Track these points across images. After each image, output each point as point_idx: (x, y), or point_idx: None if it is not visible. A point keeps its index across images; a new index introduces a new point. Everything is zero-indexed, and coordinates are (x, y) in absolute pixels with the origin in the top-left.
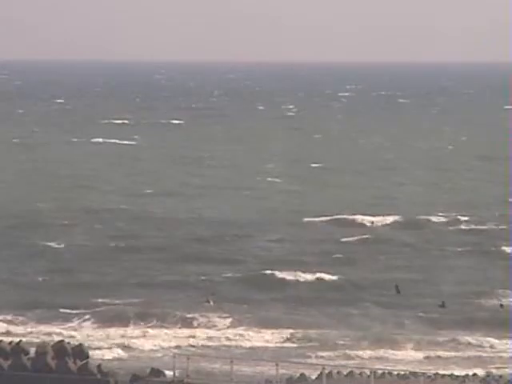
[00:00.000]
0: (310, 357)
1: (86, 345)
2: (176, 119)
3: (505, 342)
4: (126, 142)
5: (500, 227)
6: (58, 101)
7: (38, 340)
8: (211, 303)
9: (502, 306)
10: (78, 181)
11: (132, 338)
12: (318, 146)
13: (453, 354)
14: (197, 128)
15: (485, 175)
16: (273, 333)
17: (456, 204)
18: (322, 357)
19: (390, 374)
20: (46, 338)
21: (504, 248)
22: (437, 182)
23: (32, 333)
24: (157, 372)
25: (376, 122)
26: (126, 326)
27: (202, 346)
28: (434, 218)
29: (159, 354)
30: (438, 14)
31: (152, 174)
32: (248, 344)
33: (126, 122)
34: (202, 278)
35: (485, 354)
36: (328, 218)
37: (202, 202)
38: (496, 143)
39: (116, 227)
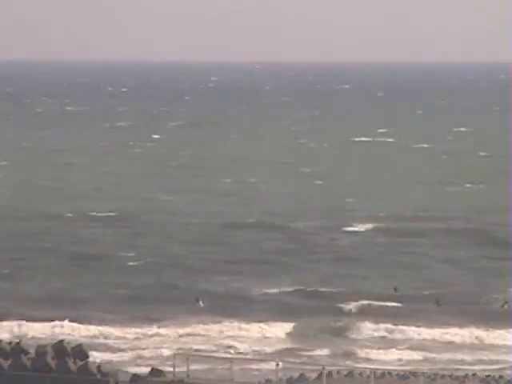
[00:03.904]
0: (309, 357)
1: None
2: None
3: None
4: (132, 145)
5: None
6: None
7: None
8: (201, 304)
9: (506, 303)
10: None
11: (131, 338)
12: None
13: (452, 354)
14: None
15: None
16: (269, 334)
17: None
18: (321, 357)
19: (389, 374)
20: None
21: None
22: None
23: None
24: (157, 372)
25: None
26: (126, 326)
27: (201, 345)
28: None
29: (159, 354)
30: (438, 14)
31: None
32: (245, 344)
33: (122, 124)
34: (193, 281)
35: (484, 355)
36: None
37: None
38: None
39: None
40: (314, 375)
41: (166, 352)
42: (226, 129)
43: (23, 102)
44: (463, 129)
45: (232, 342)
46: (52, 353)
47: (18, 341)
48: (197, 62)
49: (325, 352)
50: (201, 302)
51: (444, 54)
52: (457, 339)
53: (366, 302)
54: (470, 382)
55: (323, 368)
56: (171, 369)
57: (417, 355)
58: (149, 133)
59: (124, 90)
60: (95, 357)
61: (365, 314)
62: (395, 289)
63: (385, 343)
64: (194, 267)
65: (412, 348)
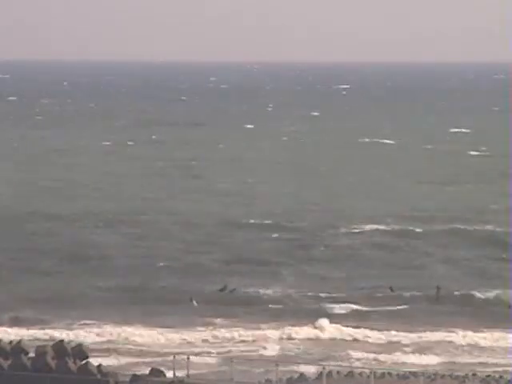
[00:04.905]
0: (308, 357)
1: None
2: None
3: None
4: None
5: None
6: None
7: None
8: (195, 303)
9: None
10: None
11: (130, 340)
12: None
13: (451, 355)
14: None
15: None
16: (269, 335)
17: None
18: (321, 358)
19: (389, 374)
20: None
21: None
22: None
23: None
24: (157, 372)
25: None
26: (125, 326)
27: (201, 345)
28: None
29: (159, 354)
30: (438, 14)
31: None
32: (243, 344)
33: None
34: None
35: (484, 356)
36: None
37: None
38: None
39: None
40: (314, 375)
41: (166, 352)
42: (225, 129)
43: (23, 102)
44: (463, 129)
45: (229, 343)
46: (52, 353)
47: (18, 341)
48: (197, 62)
49: (324, 353)
50: (194, 302)
51: (444, 54)
52: (457, 340)
53: (365, 302)
54: (469, 382)
55: (323, 368)
56: (171, 369)
57: (417, 356)
58: (149, 133)
59: (124, 89)
60: (95, 358)
61: (365, 314)
62: (391, 288)
63: (384, 344)
64: (193, 267)
65: (412, 349)
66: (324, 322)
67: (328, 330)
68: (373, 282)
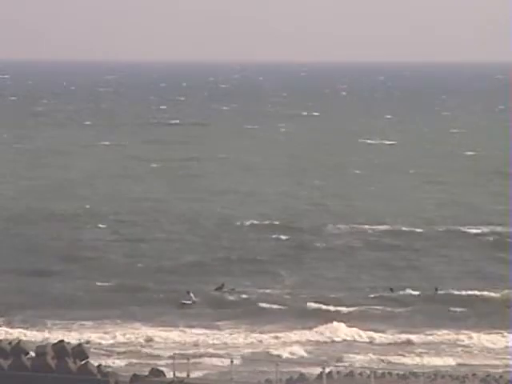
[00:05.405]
0: (309, 358)
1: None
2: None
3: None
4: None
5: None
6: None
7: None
8: (192, 296)
9: None
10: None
11: (131, 338)
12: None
13: (451, 353)
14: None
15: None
16: (270, 339)
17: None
18: (321, 359)
19: (390, 374)
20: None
21: None
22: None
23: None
24: (157, 372)
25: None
26: (125, 326)
27: (201, 345)
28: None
29: (159, 354)
30: (437, 13)
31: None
32: (241, 344)
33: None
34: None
35: (485, 357)
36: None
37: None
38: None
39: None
40: (314, 375)
41: (165, 352)
42: (224, 129)
43: (24, 102)
44: (463, 129)
45: (229, 343)
46: (52, 353)
47: (17, 341)
48: (197, 61)
49: (324, 353)
50: (192, 295)
51: (444, 53)
52: (457, 340)
53: (365, 303)
54: (469, 381)
55: (323, 368)
56: (171, 369)
57: (418, 356)
58: (148, 133)
59: (123, 89)
60: (95, 358)
61: (364, 315)
62: (391, 289)
63: (384, 345)
64: (192, 267)
65: (412, 349)
66: (323, 322)
67: (328, 330)
68: (373, 282)
